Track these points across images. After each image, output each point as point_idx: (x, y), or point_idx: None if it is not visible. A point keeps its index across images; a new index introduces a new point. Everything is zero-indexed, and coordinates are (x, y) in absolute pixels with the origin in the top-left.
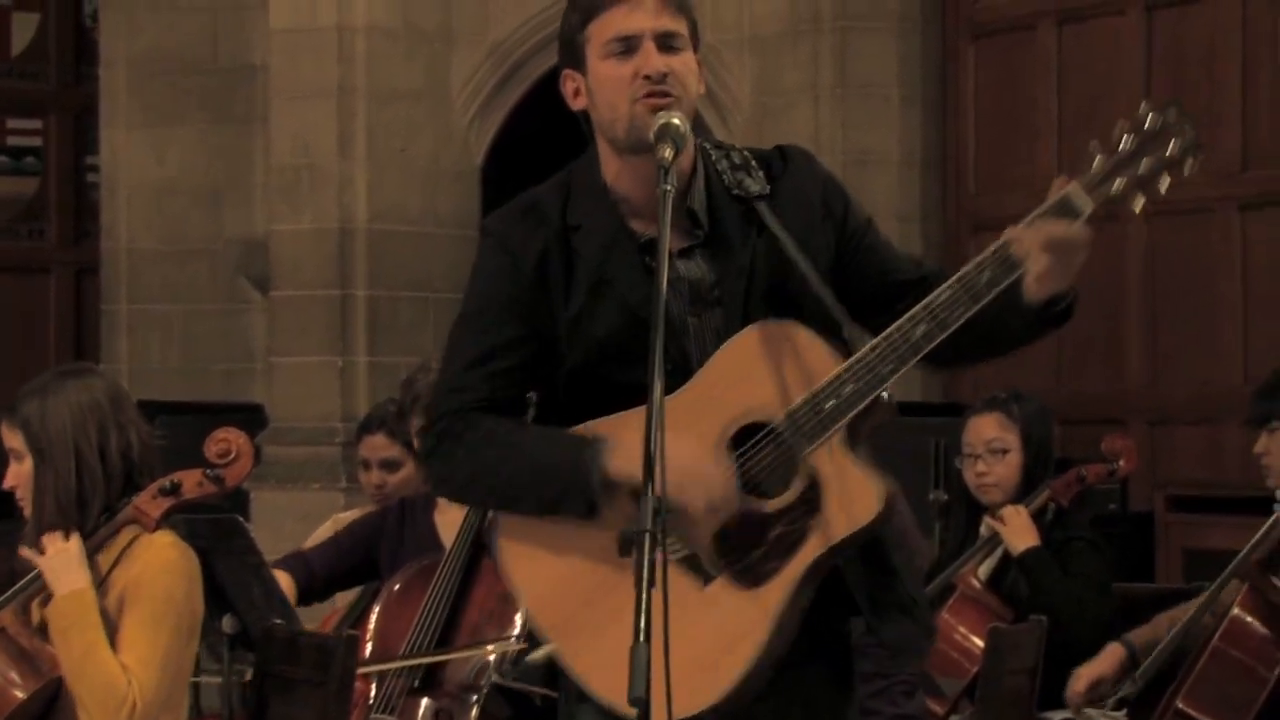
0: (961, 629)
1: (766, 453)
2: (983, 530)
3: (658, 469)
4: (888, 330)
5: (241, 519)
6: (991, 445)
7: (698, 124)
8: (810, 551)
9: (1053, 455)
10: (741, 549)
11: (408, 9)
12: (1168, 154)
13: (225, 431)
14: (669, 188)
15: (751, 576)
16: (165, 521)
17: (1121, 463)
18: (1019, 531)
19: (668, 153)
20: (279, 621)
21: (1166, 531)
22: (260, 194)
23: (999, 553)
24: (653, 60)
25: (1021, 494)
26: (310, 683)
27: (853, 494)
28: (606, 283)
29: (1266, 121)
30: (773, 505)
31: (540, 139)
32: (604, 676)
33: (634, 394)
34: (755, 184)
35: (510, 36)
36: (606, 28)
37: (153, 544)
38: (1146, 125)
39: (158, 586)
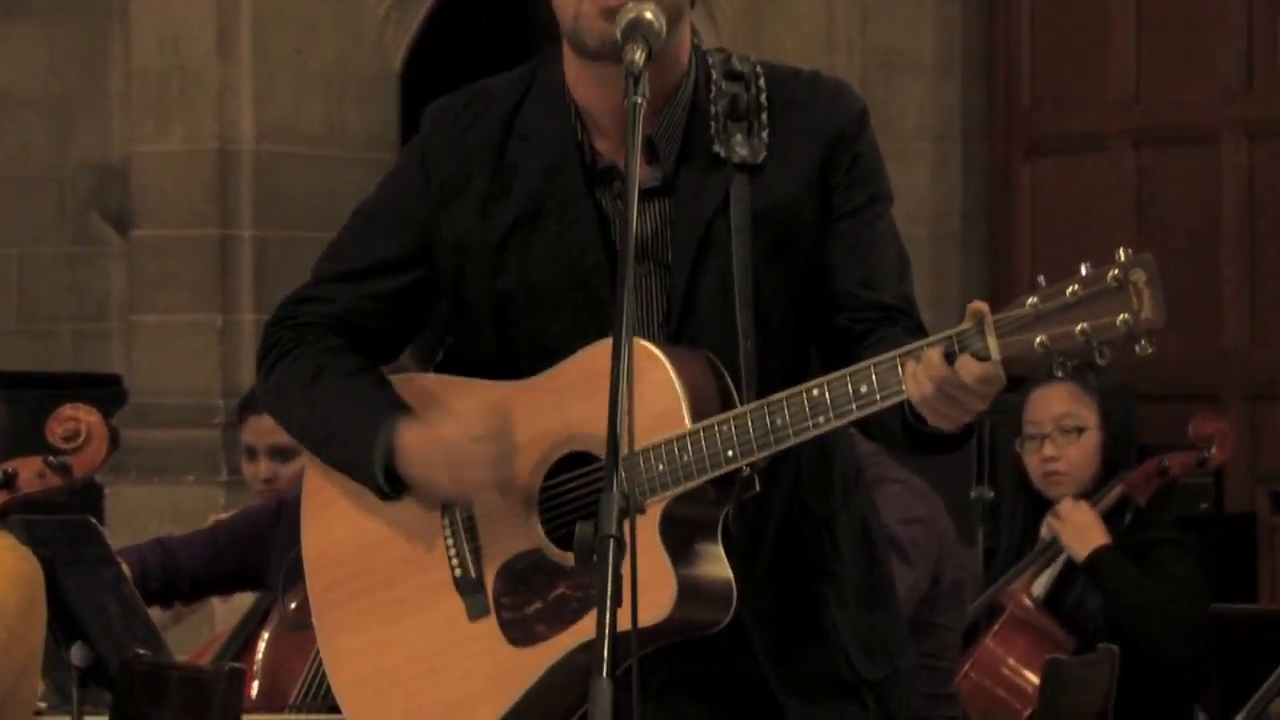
0: (1010, 661)
1: (582, 495)
2: (1043, 533)
3: (624, 447)
4: (750, 405)
5: (95, 520)
6: (1063, 423)
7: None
8: (583, 630)
9: (1135, 440)
10: (518, 594)
11: None
12: (1113, 327)
13: (72, 409)
14: (640, 100)
15: (519, 631)
16: None
17: (1214, 450)
18: (1082, 531)
19: (638, 55)
20: (142, 651)
21: (1272, 536)
22: (118, 107)
23: (1060, 563)
24: None
25: (1097, 486)
26: None
27: (645, 585)
28: (540, 215)
29: None
30: (568, 560)
31: (470, 38)
32: (346, 676)
33: (552, 355)
34: (744, 148)
35: None
36: None
37: None
38: (1106, 277)
39: None
